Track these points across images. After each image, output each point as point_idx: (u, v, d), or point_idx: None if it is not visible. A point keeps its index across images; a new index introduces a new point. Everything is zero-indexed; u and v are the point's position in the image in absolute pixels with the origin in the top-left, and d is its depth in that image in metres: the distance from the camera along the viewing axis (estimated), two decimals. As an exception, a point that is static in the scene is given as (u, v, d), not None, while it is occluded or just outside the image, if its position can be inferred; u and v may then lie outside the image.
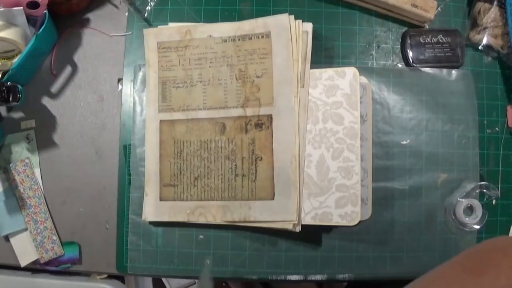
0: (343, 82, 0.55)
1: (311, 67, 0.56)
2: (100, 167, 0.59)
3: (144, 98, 0.59)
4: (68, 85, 0.61)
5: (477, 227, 0.57)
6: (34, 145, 0.60)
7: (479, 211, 0.56)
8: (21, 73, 0.56)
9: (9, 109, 0.60)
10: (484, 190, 0.58)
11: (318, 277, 0.57)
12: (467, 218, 0.56)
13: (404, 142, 0.59)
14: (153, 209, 0.57)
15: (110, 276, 0.61)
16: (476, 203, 0.56)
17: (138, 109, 0.59)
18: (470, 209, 0.57)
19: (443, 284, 0.36)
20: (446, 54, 0.59)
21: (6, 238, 0.58)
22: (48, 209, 0.58)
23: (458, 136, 0.59)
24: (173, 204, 0.56)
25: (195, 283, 1.11)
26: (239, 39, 0.57)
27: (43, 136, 0.60)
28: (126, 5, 0.61)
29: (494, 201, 0.59)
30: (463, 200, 0.57)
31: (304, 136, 0.55)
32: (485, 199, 0.58)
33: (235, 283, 0.96)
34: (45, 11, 0.55)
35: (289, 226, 0.53)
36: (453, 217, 0.57)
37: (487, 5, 0.59)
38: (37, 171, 0.59)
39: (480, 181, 0.58)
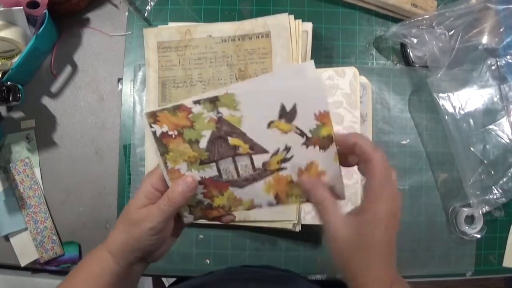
0: (343, 81, 0.55)
1: (311, 67, 0.56)
2: (100, 167, 0.59)
3: (144, 98, 0.59)
4: (68, 85, 0.61)
5: (478, 236, 0.56)
6: (34, 145, 0.60)
7: (479, 222, 0.56)
8: (21, 73, 0.56)
9: (9, 109, 0.60)
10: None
11: (318, 276, 0.57)
12: (466, 227, 0.56)
13: (404, 142, 0.59)
14: (153, 209, 0.56)
15: (110, 276, 0.61)
16: (478, 215, 0.56)
17: (138, 108, 0.59)
18: (471, 219, 0.57)
19: None
20: (446, 54, 0.59)
21: (6, 238, 0.58)
22: (48, 209, 0.58)
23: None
24: (173, 204, 0.56)
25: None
26: (239, 39, 0.56)
27: (43, 136, 0.60)
28: (126, 5, 0.61)
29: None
30: (466, 209, 0.56)
31: (304, 136, 0.55)
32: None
33: None
34: (45, 11, 0.55)
35: (289, 226, 0.53)
36: (454, 220, 0.57)
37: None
38: (37, 171, 0.59)
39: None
